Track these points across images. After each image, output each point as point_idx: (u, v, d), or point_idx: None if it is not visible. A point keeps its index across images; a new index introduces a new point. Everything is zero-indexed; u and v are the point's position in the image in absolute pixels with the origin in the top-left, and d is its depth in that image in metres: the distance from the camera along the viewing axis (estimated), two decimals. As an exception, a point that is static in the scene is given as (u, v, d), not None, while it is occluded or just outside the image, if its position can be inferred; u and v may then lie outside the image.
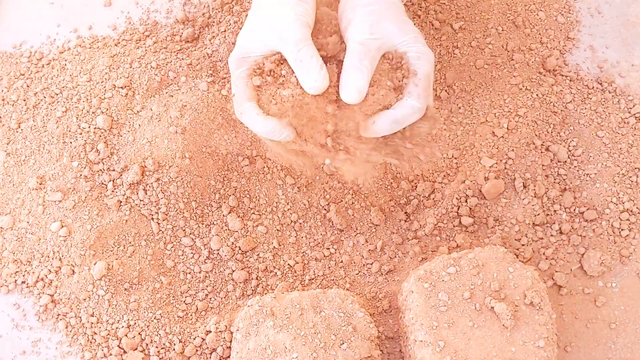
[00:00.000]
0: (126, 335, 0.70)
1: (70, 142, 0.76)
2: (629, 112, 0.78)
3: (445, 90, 0.79)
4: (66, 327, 0.71)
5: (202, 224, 0.75)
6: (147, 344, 0.70)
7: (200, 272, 0.74)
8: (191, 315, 0.72)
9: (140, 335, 0.70)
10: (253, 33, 0.62)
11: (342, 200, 0.76)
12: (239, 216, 0.75)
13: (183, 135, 0.75)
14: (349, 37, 0.60)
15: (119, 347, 0.70)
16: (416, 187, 0.76)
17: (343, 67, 0.58)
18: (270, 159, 0.76)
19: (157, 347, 0.70)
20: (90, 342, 0.70)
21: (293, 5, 0.60)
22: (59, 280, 0.72)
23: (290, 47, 0.58)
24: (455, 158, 0.76)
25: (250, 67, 0.61)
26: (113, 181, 0.75)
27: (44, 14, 0.85)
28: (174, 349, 0.69)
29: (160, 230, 0.74)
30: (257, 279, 0.73)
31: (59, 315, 0.71)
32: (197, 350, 0.69)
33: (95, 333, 0.70)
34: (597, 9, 0.84)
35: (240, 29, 0.80)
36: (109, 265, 0.72)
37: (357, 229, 0.75)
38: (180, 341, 0.70)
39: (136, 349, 0.70)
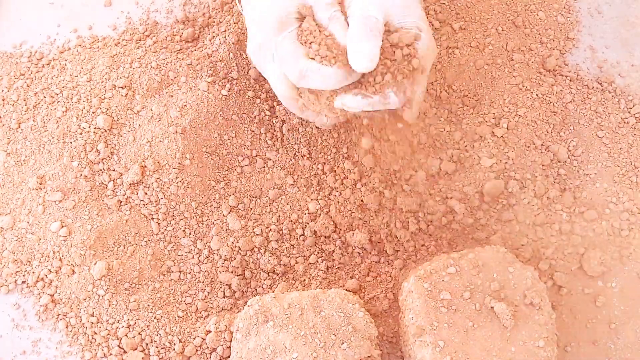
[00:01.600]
0: (126, 335, 0.70)
1: (71, 142, 0.76)
2: (629, 112, 0.78)
3: (445, 90, 0.79)
4: (66, 327, 0.71)
5: (202, 224, 0.75)
6: (147, 344, 0.70)
7: (200, 272, 0.74)
8: (191, 315, 0.72)
9: (140, 335, 0.70)
10: None
11: (342, 200, 0.76)
12: (239, 216, 0.75)
13: (183, 135, 0.75)
14: (352, 10, 0.59)
15: (119, 347, 0.70)
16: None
17: (349, 34, 0.58)
18: (270, 159, 0.76)
19: (157, 347, 0.70)
20: (90, 342, 0.70)
21: None
22: (59, 280, 0.72)
23: (321, 6, 0.59)
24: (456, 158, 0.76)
25: (292, 27, 0.61)
26: (113, 181, 0.75)
27: (44, 14, 0.85)
28: (174, 349, 0.69)
29: (160, 230, 0.74)
30: (257, 279, 0.73)
31: (59, 315, 0.72)
32: (197, 350, 0.69)
33: (95, 333, 0.70)
34: (597, 9, 0.84)
35: (241, 29, 0.80)
36: (109, 265, 0.72)
37: (357, 229, 0.75)
38: (180, 341, 0.70)
39: (136, 348, 0.70)
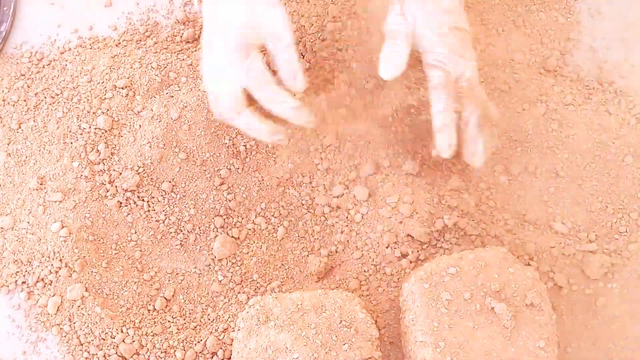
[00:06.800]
0: (123, 341, 0.69)
1: (71, 143, 0.76)
2: (630, 113, 0.78)
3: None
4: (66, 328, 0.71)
5: (203, 224, 0.75)
6: (147, 349, 0.70)
7: (200, 274, 0.74)
8: (192, 319, 0.72)
9: (140, 341, 0.70)
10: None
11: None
12: (239, 217, 0.75)
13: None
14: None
15: (117, 354, 0.69)
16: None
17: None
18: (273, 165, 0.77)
19: (157, 353, 0.70)
20: (90, 345, 0.70)
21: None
22: (59, 281, 0.72)
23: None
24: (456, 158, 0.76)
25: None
26: (113, 182, 0.75)
27: (45, 15, 0.85)
28: (175, 355, 0.69)
29: (160, 231, 0.74)
30: (257, 279, 0.73)
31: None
32: (197, 354, 0.69)
33: (95, 335, 0.70)
34: (597, 9, 0.84)
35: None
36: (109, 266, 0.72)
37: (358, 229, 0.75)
38: (181, 347, 0.70)
39: (136, 353, 0.69)
